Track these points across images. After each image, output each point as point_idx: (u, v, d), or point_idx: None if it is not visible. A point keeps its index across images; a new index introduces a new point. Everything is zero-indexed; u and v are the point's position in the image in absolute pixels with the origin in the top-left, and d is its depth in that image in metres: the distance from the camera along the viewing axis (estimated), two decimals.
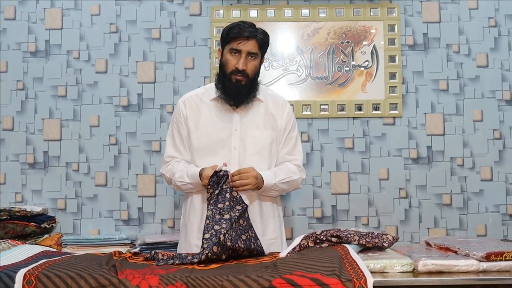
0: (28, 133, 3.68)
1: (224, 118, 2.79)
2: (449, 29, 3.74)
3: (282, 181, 2.75)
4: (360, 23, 3.73)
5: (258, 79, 2.83)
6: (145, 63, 3.73)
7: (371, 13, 3.73)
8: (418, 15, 3.74)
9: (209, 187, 2.56)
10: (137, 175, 3.67)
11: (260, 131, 2.78)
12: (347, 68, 3.71)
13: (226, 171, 2.57)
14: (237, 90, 2.73)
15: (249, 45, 2.70)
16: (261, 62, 2.83)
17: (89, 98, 3.70)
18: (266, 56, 3.67)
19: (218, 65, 2.84)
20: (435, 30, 3.74)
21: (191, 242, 2.74)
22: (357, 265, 1.99)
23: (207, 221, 2.46)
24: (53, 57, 3.72)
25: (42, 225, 3.33)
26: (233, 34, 2.69)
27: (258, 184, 2.63)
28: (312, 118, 3.69)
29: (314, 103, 3.68)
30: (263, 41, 2.76)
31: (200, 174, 2.63)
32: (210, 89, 2.87)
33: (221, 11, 3.72)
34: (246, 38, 2.68)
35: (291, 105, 3.61)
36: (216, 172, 2.55)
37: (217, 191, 2.54)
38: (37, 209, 3.40)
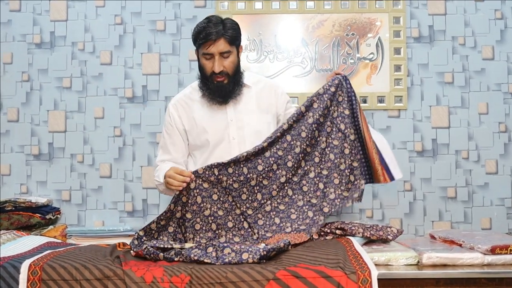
0: (33, 125, 3.69)
1: (217, 111, 2.83)
2: (455, 21, 3.72)
3: None
4: (365, 15, 3.72)
5: (241, 70, 2.86)
6: (149, 55, 3.73)
7: (376, 5, 3.72)
8: (423, 7, 3.72)
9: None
10: (141, 166, 3.68)
11: (256, 116, 2.80)
12: (352, 61, 3.70)
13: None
14: (221, 90, 2.77)
15: (219, 46, 2.68)
16: (238, 53, 2.83)
17: (93, 90, 3.70)
18: (271, 48, 3.68)
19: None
20: (440, 23, 3.72)
21: None
22: (361, 257, 1.99)
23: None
24: (58, 49, 3.72)
25: (47, 216, 3.34)
26: (201, 39, 2.69)
27: None
28: None
29: None
30: (232, 35, 2.73)
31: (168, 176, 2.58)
32: (197, 87, 2.90)
33: (226, 3, 3.71)
34: (213, 40, 2.66)
35: (295, 97, 3.62)
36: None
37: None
38: (42, 200, 3.41)
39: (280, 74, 3.69)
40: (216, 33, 2.66)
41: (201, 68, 2.80)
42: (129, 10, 3.74)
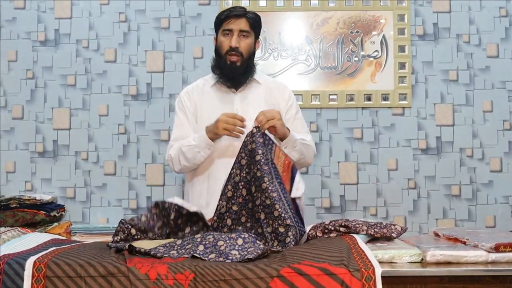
0: (37, 122, 3.70)
1: (224, 100, 2.84)
2: (460, 19, 3.71)
3: (303, 142, 2.73)
4: (369, 13, 3.71)
5: (255, 60, 2.87)
6: (154, 53, 3.73)
7: (381, 3, 3.71)
8: (428, 5, 3.72)
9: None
10: (145, 164, 3.68)
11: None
12: (356, 58, 3.70)
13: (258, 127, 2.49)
14: (233, 71, 2.77)
15: (240, 23, 2.75)
16: (255, 43, 2.86)
17: (98, 87, 3.71)
18: (275, 46, 3.68)
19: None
20: (445, 20, 3.72)
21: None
22: (365, 255, 1.98)
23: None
24: (62, 46, 3.73)
25: (52, 214, 3.34)
26: (224, 15, 2.76)
27: (283, 124, 2.60)
28: (321, 108, 3.68)
29: (323, 93, 3.67)
30: (254, 19, 2.80)
31: (210, 125, 2.63)
32: (209, 78, 2.93)
33: (230, 1, 3.71)
34: (236, 16, 2.74)
35: (299, 95, 3.62)
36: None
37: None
38: (47, 197, 3.41)
39: (284, 72, 3.69)
40: (239, 11, 2.76)
41: (217, 48, 2.82)
42: (133, 7, 3.74)
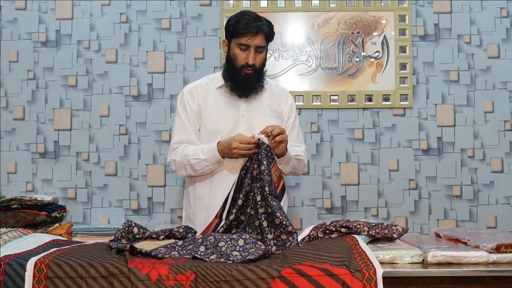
0: (38, 123, 3.70)
1: (231, 105, 2.82)
2: (461, 19, 3.71)
3: (296, 157, 2.77)
4: (370, 14, 3.71)
5: (264, 68, 2.85)
6: (155, 53, 3.73)
7: (382, 4, 3.71)
8: (429, 6, 3.72)
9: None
10: (146, 165, 3.69)
11: (266, 118, 2.79)
12: (357, 59, 3.69)
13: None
14: (247, 83, 2.76)
15: (257, 40, 2.70)
16: (266, 52, 2.84)
17: (99, 88, 3.71)
18: (276, 46, 3.69)
19: (225, 56, 2.84)
20: (446, 21, 3.71)
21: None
22: (366, 255, 1.98)
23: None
24: (63, 47, 3.73)
25: (53, 214, 3.34)
26: (241, 29, 2.68)
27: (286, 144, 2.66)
28: (322, 108, 3.68)
29: (324, 94, 3.67)
30: (270, 34, 2.76)
31: (223, 145, 2.63)
32: (214, 79, 2.89)
33: (231, 1, 3.71)
34: (254, 33, 2.68)
35: (300, 95, 3.62)
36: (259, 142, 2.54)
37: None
38: (48, 198, 3.41)
39: (285, 73, 3.69)
40: (257, 27, 2.68)
41: (231, 58, 2.77)
42: (134, 8, 3.74)
